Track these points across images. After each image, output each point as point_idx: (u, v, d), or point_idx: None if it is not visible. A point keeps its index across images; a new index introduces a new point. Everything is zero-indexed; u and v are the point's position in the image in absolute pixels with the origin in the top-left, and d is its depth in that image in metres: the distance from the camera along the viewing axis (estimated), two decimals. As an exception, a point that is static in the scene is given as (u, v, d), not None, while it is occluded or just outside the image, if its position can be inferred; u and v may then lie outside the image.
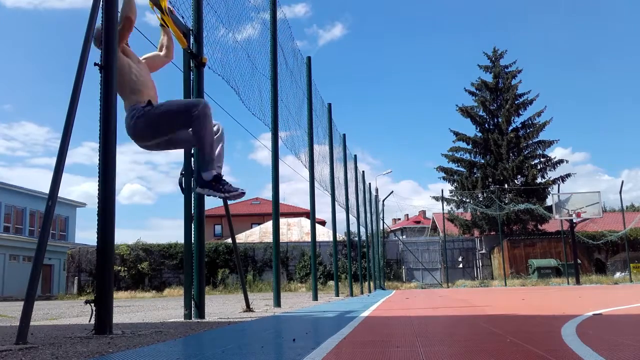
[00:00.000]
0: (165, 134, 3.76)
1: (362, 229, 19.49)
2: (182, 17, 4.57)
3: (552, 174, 31.44)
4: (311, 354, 2.10)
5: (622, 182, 26.23)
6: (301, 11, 69.76)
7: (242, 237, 30.19)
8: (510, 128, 31.93)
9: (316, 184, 9.83)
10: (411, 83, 72.68)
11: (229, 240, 25.79)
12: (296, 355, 2.10)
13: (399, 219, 54.62)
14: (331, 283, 21.84)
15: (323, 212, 64.86)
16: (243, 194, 3.89)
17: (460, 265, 28.55)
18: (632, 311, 4.78)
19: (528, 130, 31.82)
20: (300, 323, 4.05)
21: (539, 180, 30.86)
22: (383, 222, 29.01)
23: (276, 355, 2.15)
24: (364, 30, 77.10)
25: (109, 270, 3.09)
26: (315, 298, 9.37)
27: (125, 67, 3.63)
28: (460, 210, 32.56)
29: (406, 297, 10.02)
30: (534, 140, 31.68)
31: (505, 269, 25.89)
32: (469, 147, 32.36)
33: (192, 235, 4.66)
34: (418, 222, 50.36)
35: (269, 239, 27.15)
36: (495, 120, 32.35)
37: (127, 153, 64.46)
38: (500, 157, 31.14)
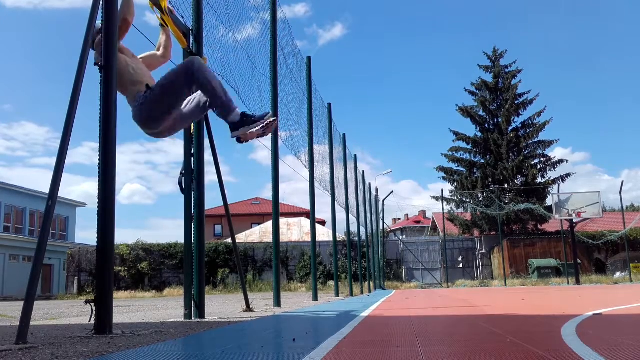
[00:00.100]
0: (173, 108, 3.70)
1: (362, 229, 19.52)
2: (182, 17, 4.57)
3: (552, 174, 31.50)
4: (311, 354, 2.10)
5: (622, 182, 26.26)
6: (301, 11, 69.80)
7: (242, 237, 30.19)
8: (510, 128, 31.93)
9: (316, 184, 9.83)
10: (411, 83, 72.74)
11: (229, 240, 25.80)
12: (296, 355, 2.10)
13: (399, 219, 54.64)
14: (331, 283, 21.84)
15: (323, 212, 64.87)
16: (274, 118, 3.72)
17: (460, 265, 28.55)
18: (632, 311, 4.78)
19: (528, 130, 31.82)
20: (300, 323, 4.05)
21: (539, 180, 30.86)
22: (383, 222, 29.03)
23: (276, 355, 2.15)
24: (364, 30, 77.15)
25: (109, 270, 3.09)
26: (315, 298, 9.37)
27: (122, 64, 3.63)
28: (460, 210, 32.57)
29: (406, 297, 10.02)
30: (534, 140, 31.69)
31: (505, 269, 25.89)
32: (469, 147, 32.37)
33: (192, 235, 4.66)
34: (418, 222, 50.37)
35: (269, 239, 27.15)
36: (495, 120, 32.35)
37: (127, 153, 64.49)
38: (500, 157, 31.14)
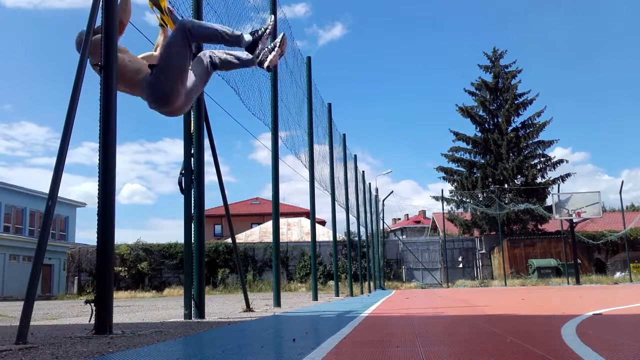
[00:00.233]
0: (182, 75, 3.71)
1: (362, 229, 19.52)
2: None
3: (552, 174, 31.49)
4: (311, 354, 2.10)
5: (622, 182, 26.26)
6: (301, 11, 69.79)
7: (242, 237, 30.19)
8: (510, 128, 31.93)
9: (316, 184, 9.83)
10: (411, 83, 72.69)
11: (229, 240, 25.80)
12: (296, 355, 2.10)
13: (399, 219, 54.63)
14: (331, 283, 21.84)
15: (323, 212, 64.88)
16: (272, 21, 3.92)
17: (460, 265, 28.55)
18: (632, 311, 4.78)
19: (528, 130, 31.82)
20: (300, 323, 4.05)
21: (539, 180, 30.86)
22: (383, 222, 29.03)
23: (276, 355, 2.15)
24: (364, 30, 77.11)
25: (109, 270, 3.09)
26: (315, 298, 9.38)
27: (121, 59, 3.64)
28: (460, 210, 32.57)
29: (406, 297, 10.02)
30: (533, 140, 31.69)
31: (505, 269, 25.89)
32: (469, 147, 32.36)
33: (192, 235, 4.66)
34: (418, 222, 50.36)
35: (269, 239, 27.15)
36: (495, 120, 32.35)
37: (127, 153, 64.48)
38: (500, 157, 31.14)
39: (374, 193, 25.21)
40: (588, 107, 66.98)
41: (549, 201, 28.21)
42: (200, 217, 4.68)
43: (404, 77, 73.12)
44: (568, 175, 31.51)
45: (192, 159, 4.71)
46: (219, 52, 4.01)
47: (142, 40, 4.27)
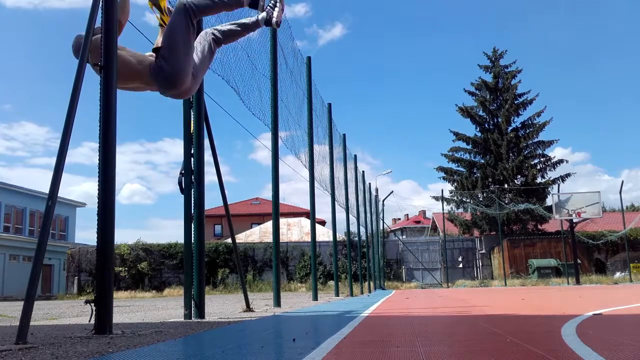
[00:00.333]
0: (188, 53, 3.74)
1: (362, 229, 19.51)
2: None
3: (552, 174, 31.49)
4: (311, 354, 2.10)
5: (622, 182, 26.25)
6: (301, 11, 69.78)
7: (242, 237, 30.19)
8: (510, 128, 31.93)
9: (316, 184, 9.84)
10: (411, 83, 72.66)
11: (229, 240, 25.79)
12: (296, 355, 2.10)
13: (399, 219, 54.63)
14: (331, 283, 21.84)
15: (323, 212, 64.84)
16: None
17: (460, 265, 28.55)
18: (632, 311, 4.78)
19: (528, 130, 31.83)
20: (300, 323, 4.05)
21: (539, 180, 30.86)
22: (383, 222, 29.03)
23: (276, 355, 2.15)
24: (364, 30, 77.09)
25: (109, 270, 3.09)
26: (315, 298, 9.38)
27: (121, 57, 3.65)
28: (460, 210, 32.57)
29: (406, 297, 10.03)
30: (533, 140, 31.68)
31: (505, 269, 25.89)
32: (469, 147, 32.36)
33: (192, 235, 4.66)
34: (418, 222, 50.36)
35: (269, 239, 27.15)
36: (495, 120, 32.35)
37: (127, 153, 64.48)
38: (500, 157, 31.14)
39: (374, 193, 25.21)
40: (588, 107, 67.00)
41: (549, 201, 28.21)
42: (200, 217, 4.68)
43: (404, 77, 73.15)
44: (568, 175, 31.53)
45: (192, 159, 4.72)
46: (221, 26, 4.04)
47: (142, 40, 4.27)
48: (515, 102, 32.03)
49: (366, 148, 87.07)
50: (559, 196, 24.46)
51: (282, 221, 26.93)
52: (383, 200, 28.98)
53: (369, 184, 23.25)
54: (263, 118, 6.56)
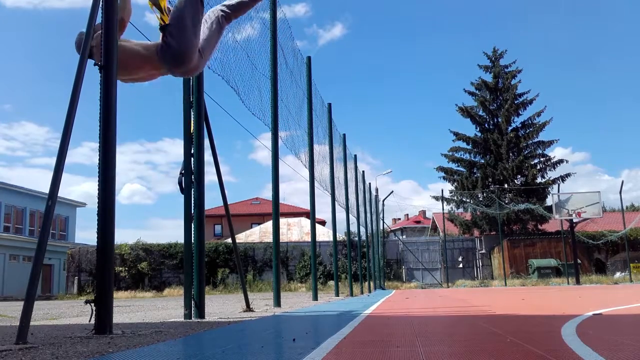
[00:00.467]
0: (196, 27, 3.75)
1: (362, 229, 19.52)
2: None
3: (552, 174, 31.48)
4: (311, 354, 2.10)
5: (622, 182, 26.25)
6: (301, 11, 69.76)
7: (242, 237, 30.19)
8: (510, 128, 31.93)
9: (316, 184, 9.84)
10: (411, 83, 72.64)
11: (229, 240, 25.79)
12: (296, 355, 2.10)
13: (399, 219, 54.63)
14: (331, 283, 21.84)
15: (323, 212, 64.82)
16: None
17: (460, 265, 28.55)
18: (632, 311, 4.78)
19: (528, 130, 31.82)
20: (300, 323, 4.05)
21: (539, 180, 30.85)
22: (383, 222, 29.03)
23: (276, 355, 2.15)
24: (364, 30, 77.07)
25: (109, 270, 3.09)
26: (315, 298, 9.38)
27: (130, 47, 3.68)
28: (460, 210, 32.57)
29: (406, 297, 10.03)
30: (533, 140, 31.68)
31: (505, 269, 25.89)
32: (469, 147, 32.36)
33: (192, 235, 4.66)
34: (418, 222, 50.36)
35: (269, 238, 27.14)
36: (495, 120, 32.35)
37: (127, 153, 64.47)
38: (500, 157, 31.14)
39: (374, 193, 25.21)
40: (588, 107, 66.98)
41: (549, 201, 28.21)
42: (200, 217, 4.68)
43: (404, 77, 73.13)
44: (568, 175, 31.53)
45: (192, 159, 4.72)
46: (228, 1, 4.06)
47: (142, 40, 4.26)
48: (515, 102, 32.03)
49: (366, 148, 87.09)
50: (559, 196, 24.45)
51: (282, 221, 26.93)
52: (383, 200, 28.98)
53: (369, 184, 23.26)
54: (263, 118, 6.57)
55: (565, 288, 16.26)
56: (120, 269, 24.62)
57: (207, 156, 4.91)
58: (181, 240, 7.09)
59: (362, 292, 15.49)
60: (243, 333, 3.18)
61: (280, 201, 7.34)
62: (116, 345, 2.48)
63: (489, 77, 32.80)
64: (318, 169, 10.18)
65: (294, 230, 32.07)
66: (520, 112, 32.31)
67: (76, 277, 25.57)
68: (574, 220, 23.67)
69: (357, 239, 19.30)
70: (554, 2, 64.55)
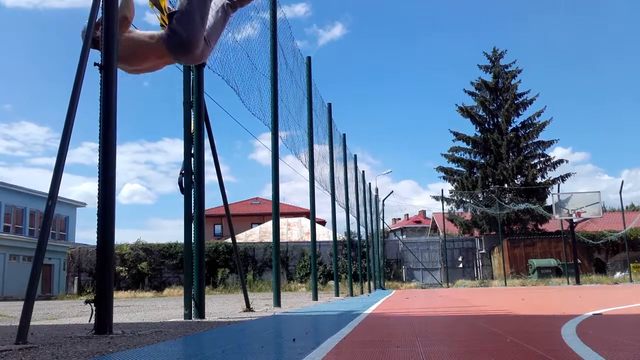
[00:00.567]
0: (203, 14, 3.76)
1: (362, 229, 19.51)
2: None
3: (552, 174, 31.48)
4: (311, 354, 2.10)
5: (622, 182, 26.26)
6: (301, 11, 69.75)
7: (242, 237, 30.18)
8: (510, 128, 31.92)
9: (316, 184, 9.83)
10: (411, 83, 72.65)
11: (229, 240, 25.79)
12: (296, 355, 2.10)
13: (399, 219, 54.62)
14: (331, 283, 21.84)
15: (323, 212, 64.79)
16: None
17: (460, 265, 28.55)
18: (632, 311, 4.78)
19: (528, 130, 31.82)
20: (300, 323, 4.05)
21: (539, 180, 30.85)
22: (383, 222, 29.03)
23: (276, 355, 2.15)
24: (364, 30, 77.07)
25: (109, 270, 3.09)
26: (315, 298, 9.38)
27: (139, 38, 3.68)
28: (460, 210, 32.56)
29: (406, 297, 10.03)
30: (533, 140, 31.68)
31: (505, 269, 25.89)
32: (469, 147, 32.36)
33: (192, 235, 4.66)
34: (418, 222, 50.36)
35: (269, 238, 27.14)
36: (495, 120, 32.35)
37: (127, 153, 64.47)
38: (500, 157, 31.14)
39: (374, 193, 25.21)
40: (588, 107, 66.97)
41: (549, 201, 28.20)
42: (200, 217, 4.68)
43: (404, 77, 73.13)
44: (568, 175, 31.53)
45: (192, 159, 4.72)
46: None
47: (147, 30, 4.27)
48: (515, 102, 32.03)
49: (366, 148, 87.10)
50: (559, 196, 24.45)
51: (282, 221, 26.93)
52: (383, 200, 28.98)
53: (369, 184, 23.26)
54: (263, 118, 6.57)
55: (565, 288, 16.26)
56: (120, 268, 24.62)
57: (207, 156, 4.91)
58: (181, 240, 7.09)
59: (362, 292, 15.49)
60: (243, 333, 3.18)
61: (280, 201, 7.35)
62: (116, 345, 2.48)
63: (489, 77, 32.83)
64: (318, 169, 10.18)
65: (294, 230, 32.07)
66: (520, 112, 32.33)
67: (76, 277, 25.57)
68: (574, 220, 23.67)
69: (357, 239, 19.30)
70: (554, 2, 64.58)
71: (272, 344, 2.57)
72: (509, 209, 28.17)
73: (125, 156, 64.27)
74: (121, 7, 3.64)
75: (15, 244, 27.70)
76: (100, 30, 3.32)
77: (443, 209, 29.16)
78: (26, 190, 30.20)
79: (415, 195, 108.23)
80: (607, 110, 66.15)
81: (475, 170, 31.86)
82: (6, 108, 54.41)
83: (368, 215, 20.73)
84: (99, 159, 3.15)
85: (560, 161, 31.81)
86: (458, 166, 32.51)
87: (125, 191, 65.22)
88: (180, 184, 4.66)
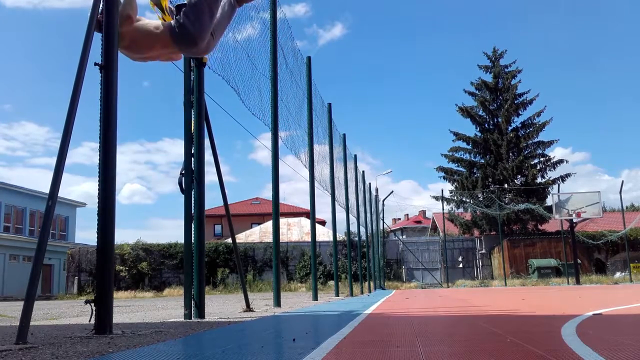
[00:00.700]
0: (212, 9, 3.77)
1: (362, 229, 19.51)
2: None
3: (552, 174, 31.48)
4: (311, 354, 2.10)
5: (622, 182, 26.25)
6: (301, 11, 69.75)
7: (242, 237, 30.18)
8: (510, 128, 31.93)
9: (316, 184, 9.84)
10: (411, 83, 72.65)
11: (229, 240, 25.79)
12: (296, 355, 2.10)
13: (399, 219, 54.62)
14: (331, 283, 21.84)
15: (323, 212, 64.80)
16: None
17: (460, 265, 28.55)
18: (632, 311, 4.78)
19: (528, 130, 31.82)
20: (300, 323, 4.05)
21: (539, 180, 30.85)
22: (383, 222, 29.03)
23: (276, 355, 2.15)
24: (364, 30, 77.08)
25: (109, 270, 3.09)
26: (315, 298, 9.38)
27: (139, 26, 3.68)
28: (460, 210, 32.56)
29: (406, 297, 10.03)
30: (533, 140, 31.68)
31: (505, 269, 25.89)
32: (469, 147, 32.36)
33: (192, 235, 4.66)
34: (418, 222, 50.36)
35: (269, 238, 27.14)
36: (495, 120, 32.34)
37: (127, 153, 64.47)
38: (500, 157, 31.14)
39: (374, 193, 25.21)
40: (588, 107, 66.97)
41: (549, 201, 28.21)
42: (200, 217, 4.68)
43: (404, 77, 73.14)
44: (568, 175, 31.53)
45: (193, 159, 4.72)
46: None
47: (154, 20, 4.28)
48: (515, 102, 32.03)
49: (366, 148, 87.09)
50: (559, 196, 24.45)
51: (282, 221, 26.92)
52: (383, 200, 28.98)
53: (369, 184, 23.26)
54: (263, 118, 6.57)
55: (565, 288, 16.26)
56: (121, 268, 24.62)
57: (208, 156, 4.92)
58: (181, 240, 7.09)
59: (362, 292, 15.49)
60: (243, 333, 3.18)
61: (280, 201, 7.35)
62: (116, 345, 2.48)
63: (489, 77, 32.83)
64: (318, 169, 10.18)
65: (294, 230, 32.07)
66: (520, 112, 32.33)
67: (76, 277, 25.57)
68: (574, 220, 23.67)
69: (357, 239, 19.30)
70: (554, 2, 64.58)
71: (272, 344, 2.57)
72: (509, 209, 28.16)
73: (125, 156, 64.32)
74: (124, 6, 3.64)
75: (15, 244, 27.70)
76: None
77: (443, 209, 29.16)
78: (26, 190, 30.20)
79: (415, 195, 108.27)
80: (607, 110, 66.19)
81: (475, 171, 31.86)
82: (6, 108, 54.45)
83: (368, 215, 20.73)
84: (99, 159, 3.15)
85: (560, 161, 31.83)
86: (458, 166, 32.52)
87: (125, 191, 65.27)
88: (180, 184, 4.66)
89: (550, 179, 31.09)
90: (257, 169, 67.59)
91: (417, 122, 74.76)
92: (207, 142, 4.90)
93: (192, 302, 4.56)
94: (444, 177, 32.76)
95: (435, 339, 2.64)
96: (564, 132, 72.88)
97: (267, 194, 47.31)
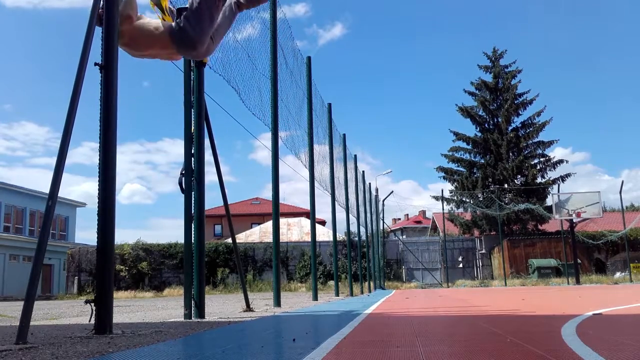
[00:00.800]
0: (213, 15, 3.78)
1: (362, 229, 19.52)
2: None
3: (552, 174, 31.48)
4: (311, 354, 2.10)
5: (622, 182, 26.25)
6: (301, 11, 69.75)
7: (242, 237, 30.19)
8: (510, 128, 31.93)
9: (316, 184, 9.84)
10: (411, 83, 72.64)
11: (229, 240, 25.79)
12: (296, 355, 2.10)
13: (399, 219, 54.62)
14: (331, 283, 21.84)
15: (323, 212, 64.79)
16: None
17: (460, 265, 28.55)
18: (632, 311, 4.78)
19: (528, 130, 31.82)
20: (300, 323, 4.05)
21: (539, 180, 30.85)
22: (383, 222, 29.03)
23: (276, 355, 2.15)
24: (364, 30, 77.07)
25: (109, 270, 3.09)
26: (315, 298, 9.38)
27: (140, 24, 3.68)
28: (460, 210, 32.56)
29: (406, 297, 10.03)
30: (533, 140, 31.68)
31: (505, 269, 25.89)
32: (469, 147, 32.36)
33: (192, 235, 4.66)
34: (418, 222, 50.36)
35: (269, 238, 27.14)
36: (495, 120, 32.35)
37: (127, 153, 64.47)
38: (500, 157, 31.14)
39: (374, 193, 25.21)
40: (588, 107, 66.95)
41: (549, 201, 28.21)
42: (200, 217, 4.68)
43: (404, 77, 73.12)
44: (568, 175, 31.53)
45: (193, 159, 4.72)
46: None
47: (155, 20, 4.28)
48: (515, 102, 32.03)
49: (366, 148, 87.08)
50: (559, 196, 24.45)
51: (282, 221, 26.92)
52: (383, 200, 28.98)
53: (369, 184, 23.27)
54: (263, 118, 6.57)
55: (565, 288, 16.26)
56: (121, 268, 24.62)
57: (208, 156, 4.92)
58: (181, 240, 7.08)
59: (362, 292, 15.49)
60: (243, 333, 3.18)
61: (280, 201, 7.35)
62: (116, 345, 2.48)
63: (489, 77, 32.83)
64: (318, 169, 10.18)
65: (294, 230, 32.07)
66: (520, 112, 32.33)
67: (76, 277, 25.57)
68: (574, 220, 23.67)
69: (357, 239, 19.30)
70: (554, 2, 64.56)
71: (272, 344, 2.57)
72: (509, 209, 28.16)
73: (125, 156, 64.32)
74: (124, 6, 3.65)
75: (15, 244, 27.70)
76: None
77: (443, 209, 29.16)
78: (26, 190, 30.20)
79: (415, 195, 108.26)
80: (607, 110, 66.16)
81: (475, 170, 31.86)
82: (6, 108, 54.44)
83: (368, 215, 20.74)
84: (99, 159, 3.15)
85: (560, 161, 31.83)
86: (458, 166, 32.52)
87: (125, 191, 65.26)
88: (180, 184, 4.67)
89: (550, 179, 31.11)
90: (257, 169, 67.61)
91: (417, 122, 74.80)
92: (207, 142, 4.91)
93: (192, 302, 4.56)
94: (444, 177, 32.78)
95: (435, 339, 2.64)
96: (564, 132, 72.92)
97: (267, 194, 47.35)
